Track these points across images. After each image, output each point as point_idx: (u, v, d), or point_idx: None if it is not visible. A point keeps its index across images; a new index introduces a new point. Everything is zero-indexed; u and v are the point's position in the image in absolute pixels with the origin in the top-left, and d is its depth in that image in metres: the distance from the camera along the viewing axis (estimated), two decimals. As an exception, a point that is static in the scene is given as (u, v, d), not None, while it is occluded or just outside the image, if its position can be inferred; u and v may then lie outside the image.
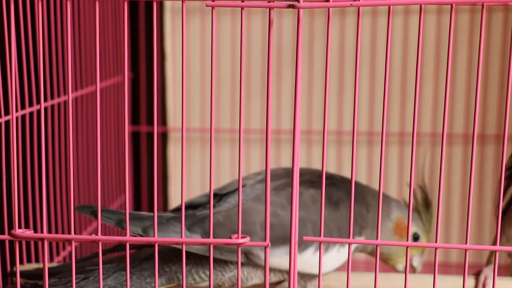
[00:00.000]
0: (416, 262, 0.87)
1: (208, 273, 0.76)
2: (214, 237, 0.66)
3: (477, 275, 0.82)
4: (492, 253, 0.81)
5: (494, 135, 1.21)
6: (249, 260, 0.76)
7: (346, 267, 0.63)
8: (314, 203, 0.78)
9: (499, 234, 0.58)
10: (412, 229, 0.86)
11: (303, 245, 0.76)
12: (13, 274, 0.76)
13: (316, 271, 0.77)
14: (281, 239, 0.75)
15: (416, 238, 0.86)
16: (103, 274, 0.74)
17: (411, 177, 0.59)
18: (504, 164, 0.58)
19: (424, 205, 0.87)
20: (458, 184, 1.24)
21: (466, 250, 0.59)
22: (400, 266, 0.87)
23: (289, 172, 0.82)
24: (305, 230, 0.76)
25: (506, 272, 1.11)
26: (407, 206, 0.72)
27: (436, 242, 0.59)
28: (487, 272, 0.82)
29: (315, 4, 0.55)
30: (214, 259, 0.71)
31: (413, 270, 0.87)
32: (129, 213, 0.67)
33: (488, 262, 0.85)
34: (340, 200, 0.79)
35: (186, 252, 0.72)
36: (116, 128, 1.18)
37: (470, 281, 0.82)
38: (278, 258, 0.76)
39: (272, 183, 0.80)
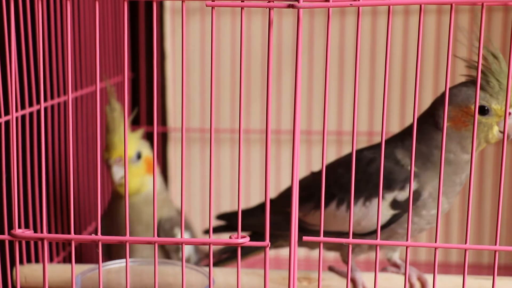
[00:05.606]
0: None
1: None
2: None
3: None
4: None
5: (494, 135, 1.21)
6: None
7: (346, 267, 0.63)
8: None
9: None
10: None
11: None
12: None
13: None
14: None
15: (486, 110, 0.73)
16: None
17: (411, 176, 0.58)
18: (503, 164, 0.58)
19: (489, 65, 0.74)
20: (458, 184, 1.24)
21: (466, 250, 0.59)
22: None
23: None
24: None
25: (505, 272, 1.11)
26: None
27: (436, 242, 0.59)
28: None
29: (315, 4, 0.55)
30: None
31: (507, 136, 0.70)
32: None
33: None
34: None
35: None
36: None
37: (470, 281, 0.82)
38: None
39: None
